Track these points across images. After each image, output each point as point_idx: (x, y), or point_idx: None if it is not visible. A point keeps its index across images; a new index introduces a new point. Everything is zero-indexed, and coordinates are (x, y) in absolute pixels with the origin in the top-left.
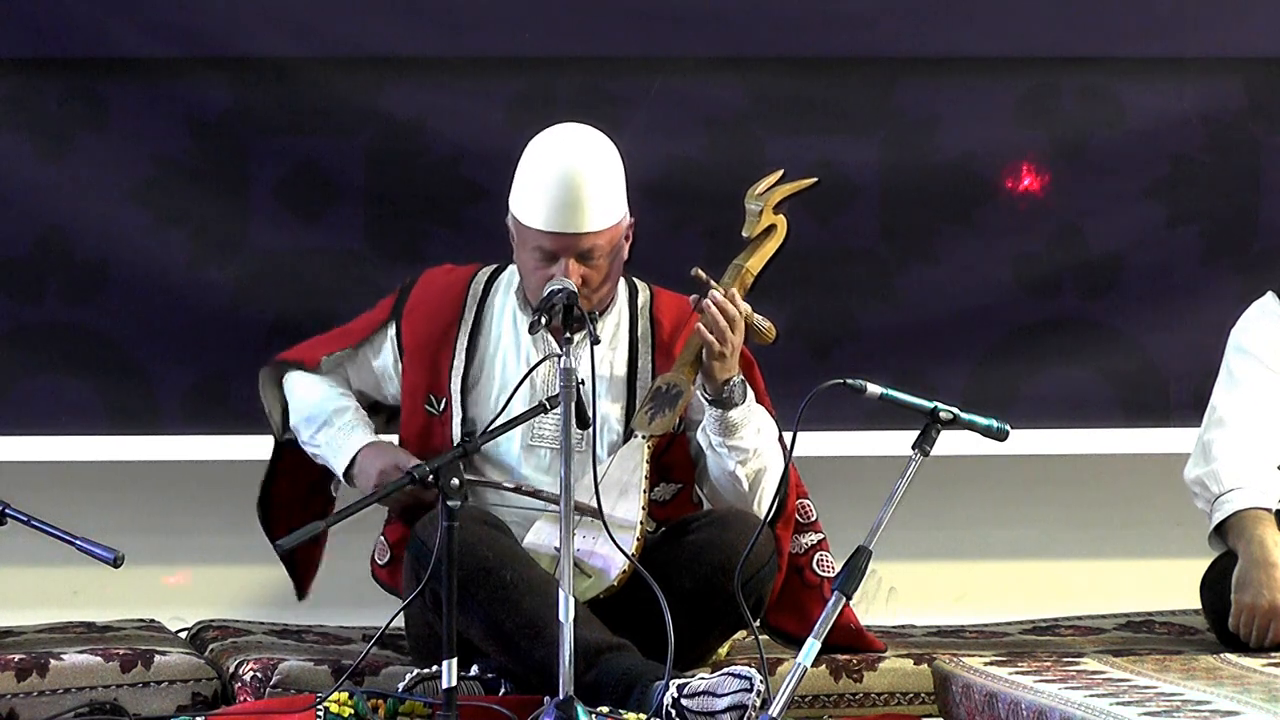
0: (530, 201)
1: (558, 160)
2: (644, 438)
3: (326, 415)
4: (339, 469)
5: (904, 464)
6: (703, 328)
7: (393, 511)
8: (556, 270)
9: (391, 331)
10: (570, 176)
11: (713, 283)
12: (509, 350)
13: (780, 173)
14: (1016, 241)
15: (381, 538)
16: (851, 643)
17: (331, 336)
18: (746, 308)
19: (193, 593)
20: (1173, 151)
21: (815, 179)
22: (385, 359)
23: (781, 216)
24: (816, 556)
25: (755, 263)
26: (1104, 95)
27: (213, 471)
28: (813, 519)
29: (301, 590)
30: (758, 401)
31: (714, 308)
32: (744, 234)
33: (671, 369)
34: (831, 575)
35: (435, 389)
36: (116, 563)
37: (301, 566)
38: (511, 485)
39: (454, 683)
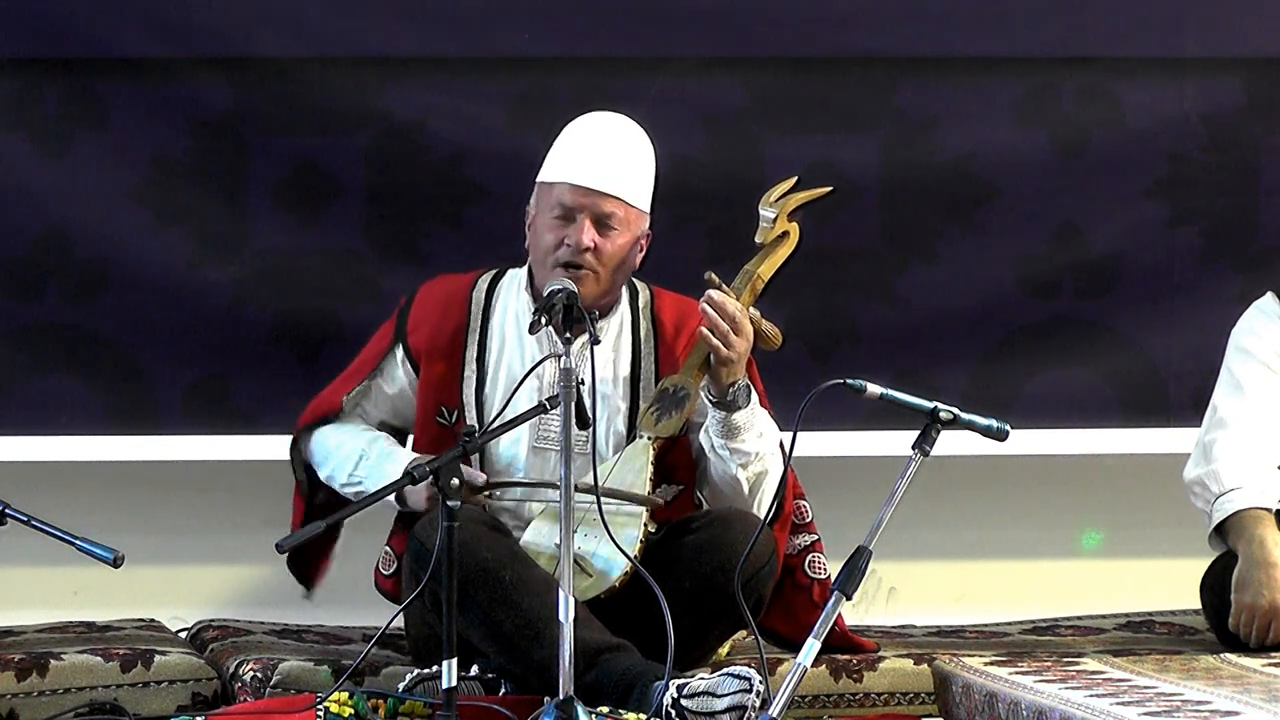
0: (561, 159)
1: (597, 127)
2: (649, 439)
3: (360, 451)
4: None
5: (904, 464)
6: (705, 330)
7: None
8: (572, 231)
9: (400, 354)
10: (607, 140)
11: (724, 286)
12: (515, 354)
13: (794, 179)
14: (1016, 241)
15: (387, 548)
16: (837, 643)
17: (343, 377)
18: (755, 313)
19: (193, 593)
20: (1172, 151)
21: (830, 188)
22: (400, 383)
23: (795, 224)
24: (809, 558)
25: (766, 269)
26: (1104, 95)
27: (213, 471)
28: (808, 520)
29: (309, 586)
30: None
31: (711, 309)
32: (756, 240)
33: (679, 371)
34: (823, 577)
35: (446, 400)
36: (116, 563)
37: (313, 564)
38: (532, 481)
39: (454, 683)
